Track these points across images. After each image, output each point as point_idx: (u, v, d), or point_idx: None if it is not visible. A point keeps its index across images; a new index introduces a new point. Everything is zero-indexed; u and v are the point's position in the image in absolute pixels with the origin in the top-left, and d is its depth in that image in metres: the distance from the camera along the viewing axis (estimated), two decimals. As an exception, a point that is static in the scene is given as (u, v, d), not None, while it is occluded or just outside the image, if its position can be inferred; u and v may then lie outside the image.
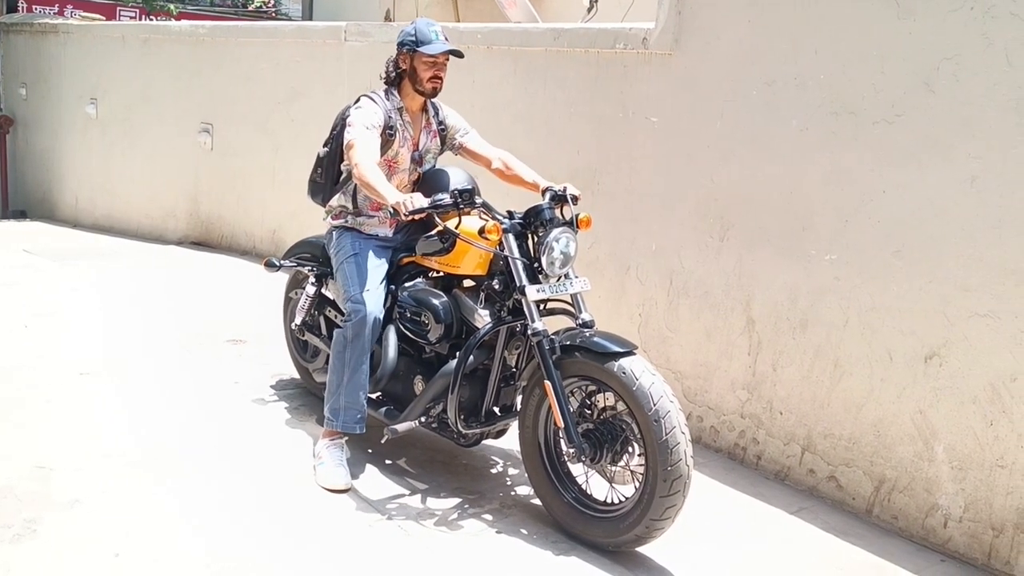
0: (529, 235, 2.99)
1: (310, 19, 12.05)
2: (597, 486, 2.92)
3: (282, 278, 4.12)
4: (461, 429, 3.04)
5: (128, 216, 7.96)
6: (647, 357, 3.71)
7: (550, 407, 2.81)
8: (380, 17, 8.34)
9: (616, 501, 2.83)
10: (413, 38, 3.16)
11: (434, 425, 3.14)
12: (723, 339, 3.67)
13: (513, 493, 3.21)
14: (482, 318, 3.00)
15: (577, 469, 2.95)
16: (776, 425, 3.51)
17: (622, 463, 2.81)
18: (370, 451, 3.43)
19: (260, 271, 3.96)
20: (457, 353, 3.00)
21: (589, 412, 2.89)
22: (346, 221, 3.36)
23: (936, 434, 3.02)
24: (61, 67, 8.50)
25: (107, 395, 3.80)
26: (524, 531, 2.92)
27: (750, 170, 3.54)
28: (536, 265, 2.92)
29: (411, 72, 3.21)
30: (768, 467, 3.55)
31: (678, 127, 3.80)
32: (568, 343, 2.79)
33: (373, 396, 3.36)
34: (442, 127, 3.42)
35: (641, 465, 2.69)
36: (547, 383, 2.77)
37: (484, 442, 3.29)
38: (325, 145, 3.38)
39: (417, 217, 2.89)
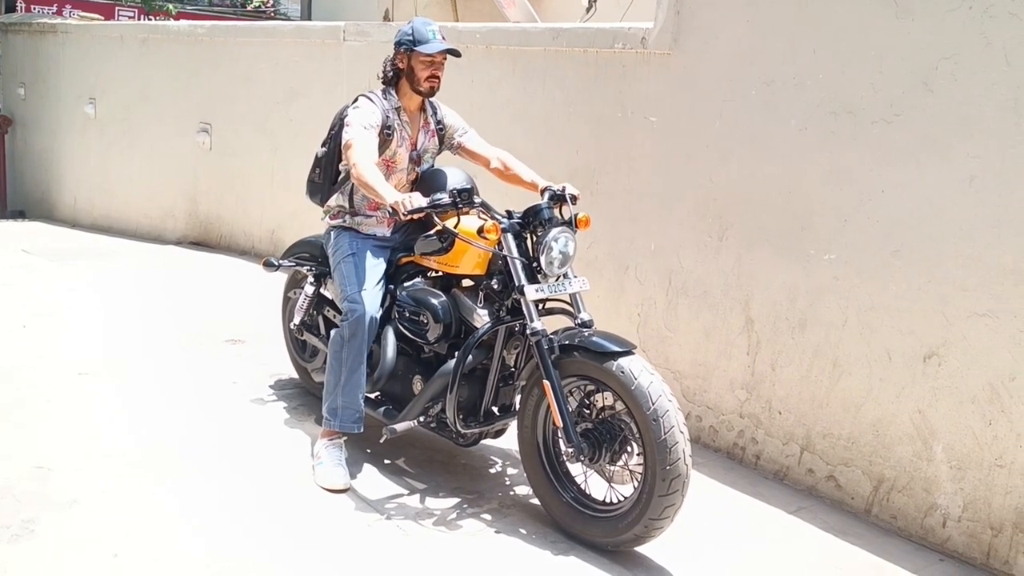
0: (528, 235, 2.99)
1: (309, 19, 12.06)
2: (596, 486, 2.92)
3: (280, 278, 4.12)
4: (460, 429, 3.04)
5: (127, 216, 7.96)
6: (646, 357, 3.71)
7: (549, 407, 2.81)
8: (379, 17, 8.33)
9: (615, 501, 2.83)
10: (410, 37, 3.16)
11: (433, 425, 3.14)
12: (722, 339, 3.67)
13: (512, 493, 3.21)
14: (481, 318, 3.00)
15: (576, 469, 2.95)
16: (775, 425, 3.51)
17: (621, 463, 2.81)
18: (369, 451, 3.43)
19: (259, 271, 3.96)
20: (456, 353, 3.00)
21: (588, 412, 2.88)
22: (344, 221, 3.36)
23: (935, 434, 3.02)
24: (59, 67, 8.50)
25: (106, 395, 3.80)
26: (523, 531, 2.92)
27: (749, 170, 3.54)
28: (535, 265, 2.92)
29: (408, 72, 3.21)
30: (767, 467, 3.55)
31: (677, 127, 3.80)
32: (567, 343, 2.79)
33: (372, 396, 3.35)
34: (440, 127, 3.42)
35: (640, 464, 2.69)
36: (546, 383, 2.77)
37: (483, 442, 3.29)
38: (323, 145, 3.38)
39: (416, 217, 2.89)
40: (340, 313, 3.32)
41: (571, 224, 2.98)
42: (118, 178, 8.02)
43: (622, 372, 2.64)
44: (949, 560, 2.97)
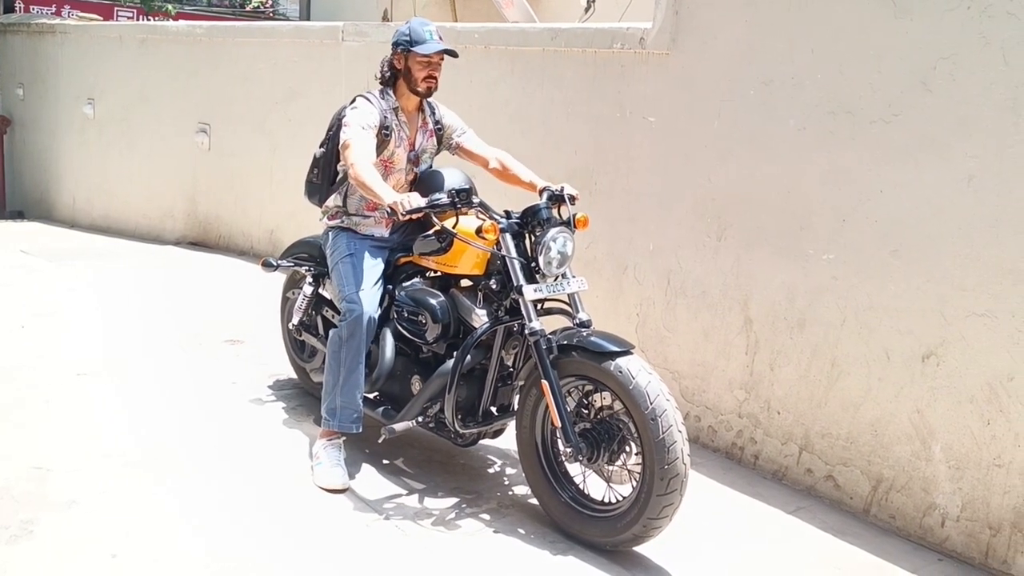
0: (526, 235, 2.99)
1: (307, 19, 12.05)
2: (594, 485, 2.92)
3: (279, 278, 4.12)
4: (458, 429, 3.04)
5: (126, 216, 7.96)
6: (645, 357, 3.72)
7: (547, 407, 2.81)
8: (378, 17, 8.34)
9: (613, 500, 2.83)
10: (407, 38, 3.16)
11: (431, 425, 3.14)
12: (721, 339, 3.68)
13: (510, 493, 3.21)
14: (479, 318, 3.00)
15: (574, 468, 2.95)
16: (774, 424, 3.51)
17: (619, 462, 2.81)
18: (368, 451, 3.43)
19: (257, 271, 3.96)
20: (454, 353, 3.00)
21: (586, 411, 2.88)
22: (342, 221, 3.36)
23: (933, 433, 3.03)
24: (58, 67, 8.50)
25: (106, 395, 3.80)
26: (521, 531, 2.92)
27: (748, 170, 3.54)
28: (533, 265, 2.92)
29: (405, 72, 3.21)
30: (766, 466, 3.55)
31: (675, 127, 3.80)
32: (565, 343, 2.79)
33: (370, 396, 3.36)
34: (439, 127, 3.42)
35: (638, 464, 2.69)
36: (544, 383, 2.77)
37: (481, 442, 3.29)
38: (321, 146, 3.38)
39: (414, 217, 2.89)
40: (338, 313, 3.32)
41: (569, 224, 2.98)
42: (117, 178, 8.02)
43: (620, 372, 2.64)
44: (948, 560, 2.97)
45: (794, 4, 3.34)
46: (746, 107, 3.52)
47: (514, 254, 2.91)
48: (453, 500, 3.11)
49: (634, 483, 2.74)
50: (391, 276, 3.33)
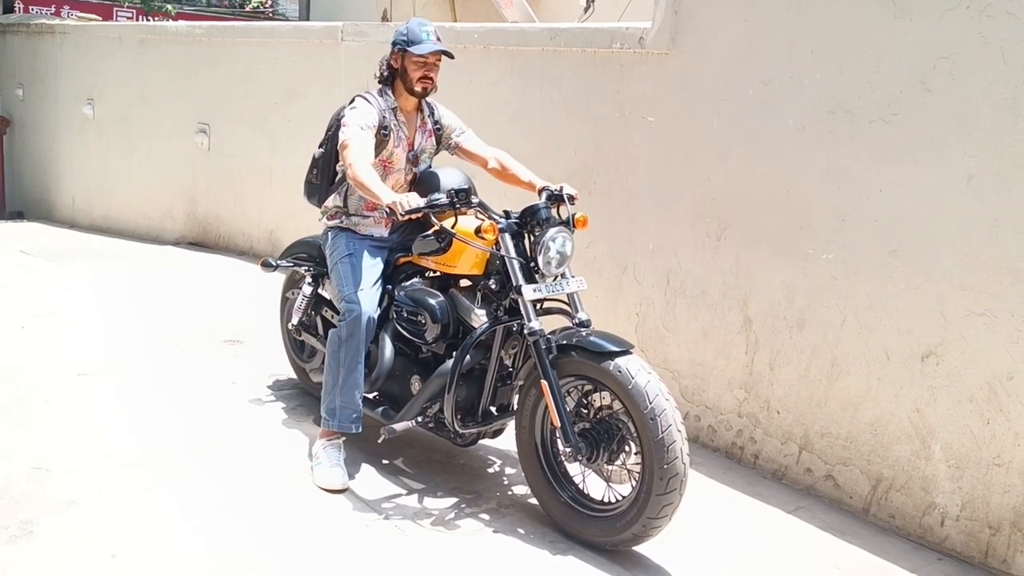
0: (525, 235, 2.99)
1: (307, 19, 12.06)
2: (594, 485, 2.92)
3: (279, 278, 4.12)
4: (458, 429, 3.04)
5: (125, 217, 7.96)
6: (644, 357, 3.72)
7: (547, 407, 2.81)
8: (377, 17, 8.33)
9: (613, 500, 2.83)
10: (404, 38, 3.16)
11: (431, 425, 3.14)
12: (720, 338, 3.68)
13: (510, 493, 3.21)
14: (479, 318, 3.00)
15: (574, 468, 2.95)
16: (773, 424, 3.51)
17: (619, 462, 2.81)
18: (367, 451, 3.43)
19: (257, 271, 3.96)
20: (454, 353, 3.00)
21: (586, 411, 2.88)
22: (341, 222, 3.36)
23: (933, 433, 3.03)
24: (58, 68, 8.50)
25: (106, 395, 3.80)
26: (521, 531, 2.92)
27: (747, 169, 3.54)
28: (532, 265, 2.92)
29: (402, 72, 3.21)
30: (765, 466, 3.55)
31: (675, 126, 3.80)
32: (564, 342, 2.79)
33: (370, 396, 3.36)
34: (437, 127, 3.42)
35: (637, 464, 2.70)
36: (543, 383, 2.77)
37: (481, 442, 3.29)
38: (320, 146, 3.38)
39: (413, 217, 2.89)
40: (338, 313, 3.32)
41: (569, 224, 2.98)
42: (117, 179, 8.02)
43: (619, 371, 2.64)
44: (947, 559, 2.97)
45: (793, 4, 3.34)
46: (745, 107, 3.52)
47: (513, 254, 2.91)
48: (453, 500, 3.11)
49: (633, 483, 2.74)
50: (390, 276, 3.33)
